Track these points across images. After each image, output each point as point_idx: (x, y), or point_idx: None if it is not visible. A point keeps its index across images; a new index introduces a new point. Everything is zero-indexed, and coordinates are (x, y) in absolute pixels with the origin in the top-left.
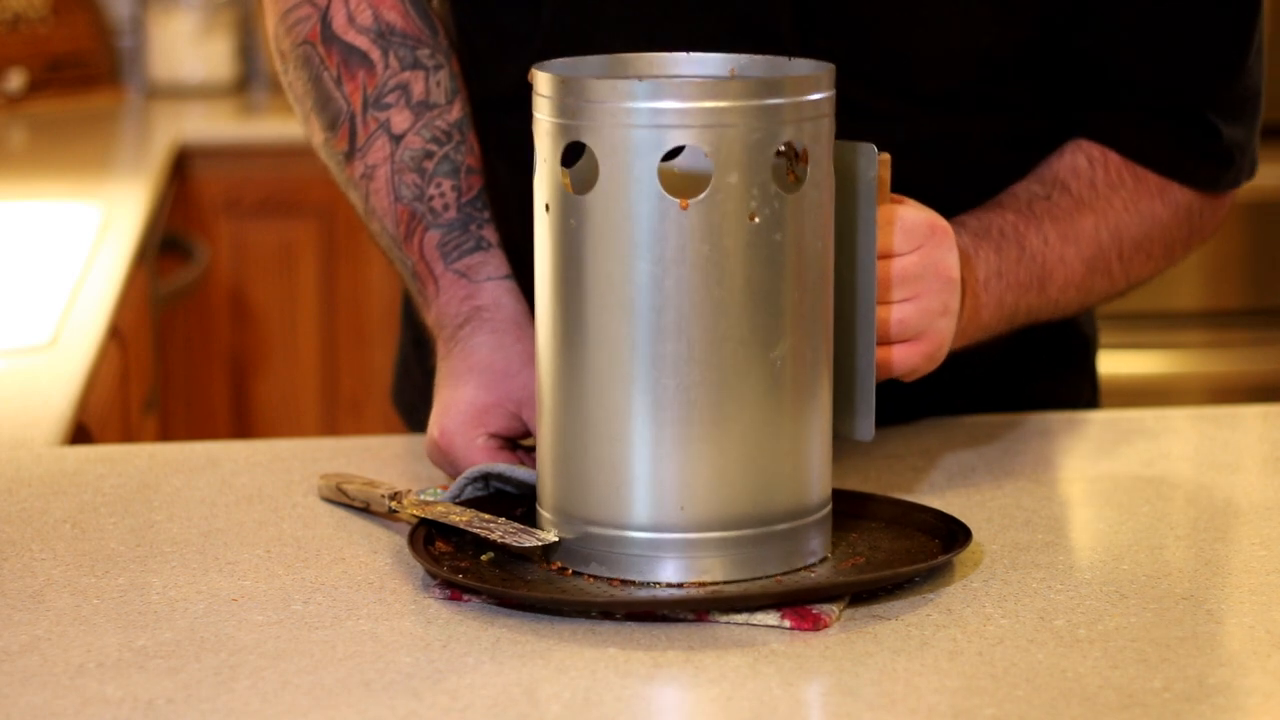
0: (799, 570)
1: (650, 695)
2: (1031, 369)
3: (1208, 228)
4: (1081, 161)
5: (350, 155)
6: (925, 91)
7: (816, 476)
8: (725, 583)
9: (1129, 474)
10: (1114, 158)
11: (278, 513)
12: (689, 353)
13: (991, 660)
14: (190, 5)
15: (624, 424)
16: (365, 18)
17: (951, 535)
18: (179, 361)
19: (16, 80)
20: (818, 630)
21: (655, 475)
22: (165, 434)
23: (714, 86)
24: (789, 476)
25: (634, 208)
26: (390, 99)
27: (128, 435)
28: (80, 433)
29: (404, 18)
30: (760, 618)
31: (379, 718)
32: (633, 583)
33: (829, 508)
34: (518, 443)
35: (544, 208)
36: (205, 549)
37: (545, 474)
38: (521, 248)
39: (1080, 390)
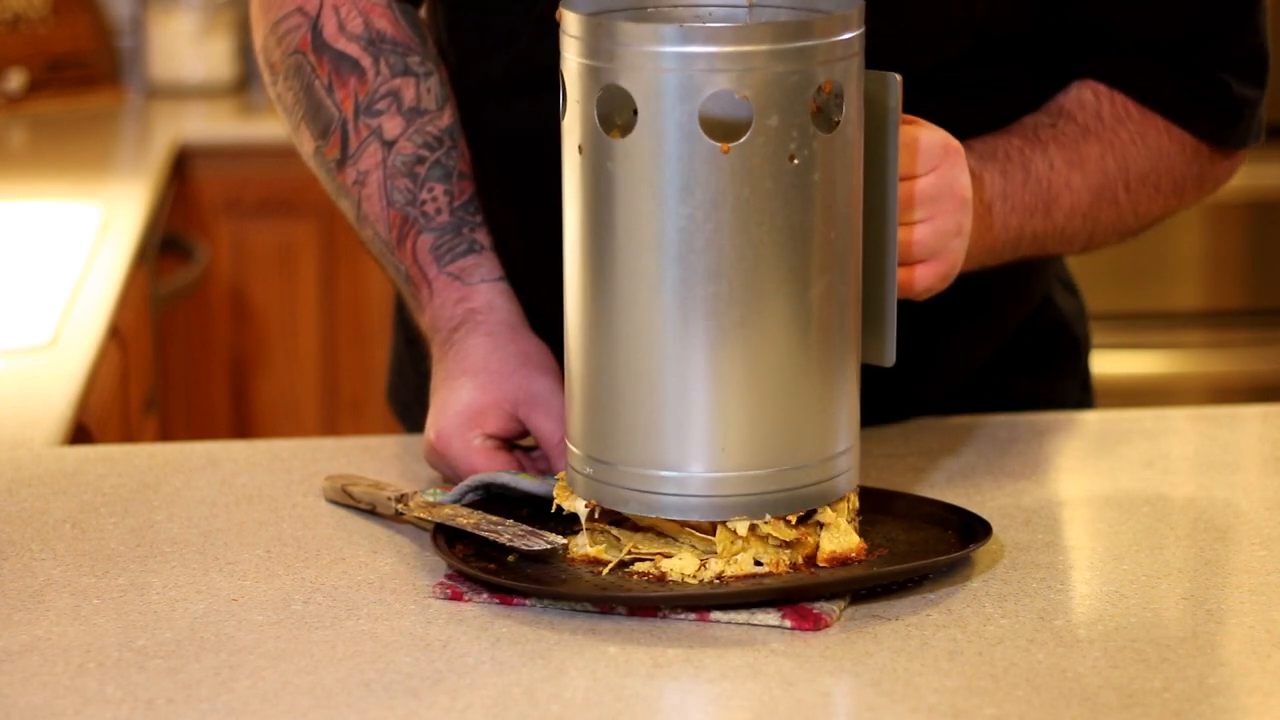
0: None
1: (650, 695)
2: (1022, 369)
3: (1220, 175)
4: (1088, 95)
5: (342, 162)
6: (917, 66)
7: (848, 413)
8: (765, 573)
9: (1129, 474)
10: (1120, 96)
11: (278, 513)
12: (728, 294)
13: (991, 660)
14: (190, 5)
15: (661, 366)
16: (356, 25)
17: (966, 527)
18: (179, 361)
19: (16, 80)
20: (818, 630)
21: (692, 416)
22: (165, 434)
23: (752, 30)
24: (822, 414)
25: (674, 152)
26: (382, 105)
27: (128, 435)
28: (80, 433)
29: (394, 25)
30: (761, 617)
31: (379, 718)
32: (660, 575)
33: (857, 443)
34: (515, 443)
35: (576, 150)
36: (205, 549)
37: (576, 416)
38: (508, 237)
39: (1072, 392)
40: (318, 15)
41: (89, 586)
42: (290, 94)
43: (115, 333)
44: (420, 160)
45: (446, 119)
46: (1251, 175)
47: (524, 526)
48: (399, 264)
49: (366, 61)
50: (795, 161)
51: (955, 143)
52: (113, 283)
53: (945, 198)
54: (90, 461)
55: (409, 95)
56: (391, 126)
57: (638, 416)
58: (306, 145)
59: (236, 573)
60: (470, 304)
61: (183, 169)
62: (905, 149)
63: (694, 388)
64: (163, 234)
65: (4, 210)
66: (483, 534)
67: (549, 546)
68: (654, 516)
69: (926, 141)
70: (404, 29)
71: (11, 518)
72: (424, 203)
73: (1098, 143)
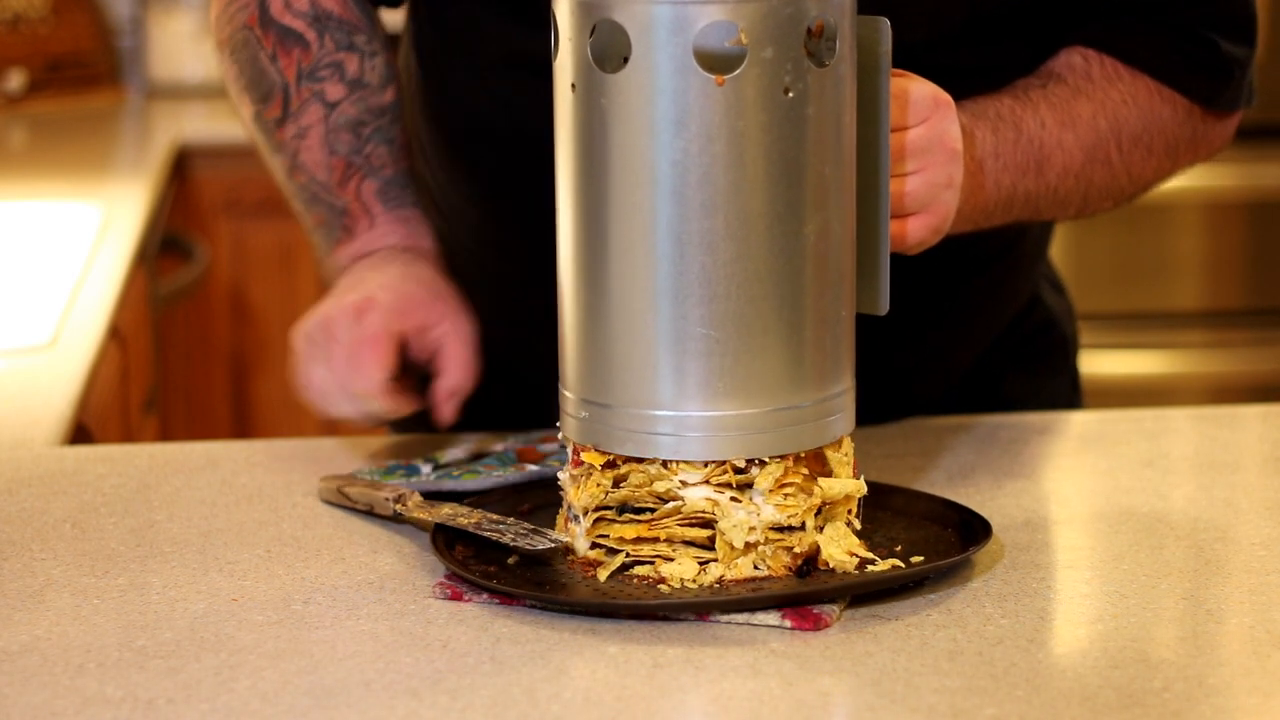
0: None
1: (650, 695)
2: (1013, 367)
3: (1214, 140)
4: (1077, 59)
5: (282, 120)
6: (911, 40)
7: (844, 354)
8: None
9: (1129, 474)
10: (1109, 59)
11: (278, 513)
12: (724, 230)
13: (991, 660)
14: (190, 5)
15: (655, 304)
16: (302, 3)
17: (966, 526)
18: (179, 361)
19: (16, 80)
20: (818, 630)
21: (687, 355)
22: (165, 434)
23: None
24: (818, 353)
25: (668, 85)
26: (324, 74)
27: (128, 435)
28: (80, 433)
29: (341, 5)
30: (761, 617)
31: (379, 718)
32: (660, 579)
33: (853, 384)
34: (406, 369)
35: (569, 88)
36: (205, 549)
37: (570, 359)
38: (522, 200)
39: (1062, 390)
40: None
41: (89, 586)
42: (235, 67)
43: (115, 333)
44: (362, 123)
45: (388, 97)
46: (1251, 175)
47: (526, 525)
48: (335, 201)
49: (311, 35)
50: (789, 95)
51: (945, 95)
52: (113, 283)
53: (936, 149)
54: (90, 461)
55: (352, 68)
56: (334, 91)
57: (632, 356)
58: (246, 111)
59: (236, 573)
60: (422, 243)
61: (183, 169)
62: (896, 100)
63: (689, 325)
64: (163, 234)
65: (4, 210)
66: (484, 534)
67: (552, 545)
68: (652, 521)
69: (917, 93)
70: (352, 9)
71: (11, 518)
72: (369, 155)
73: (1089, 103)
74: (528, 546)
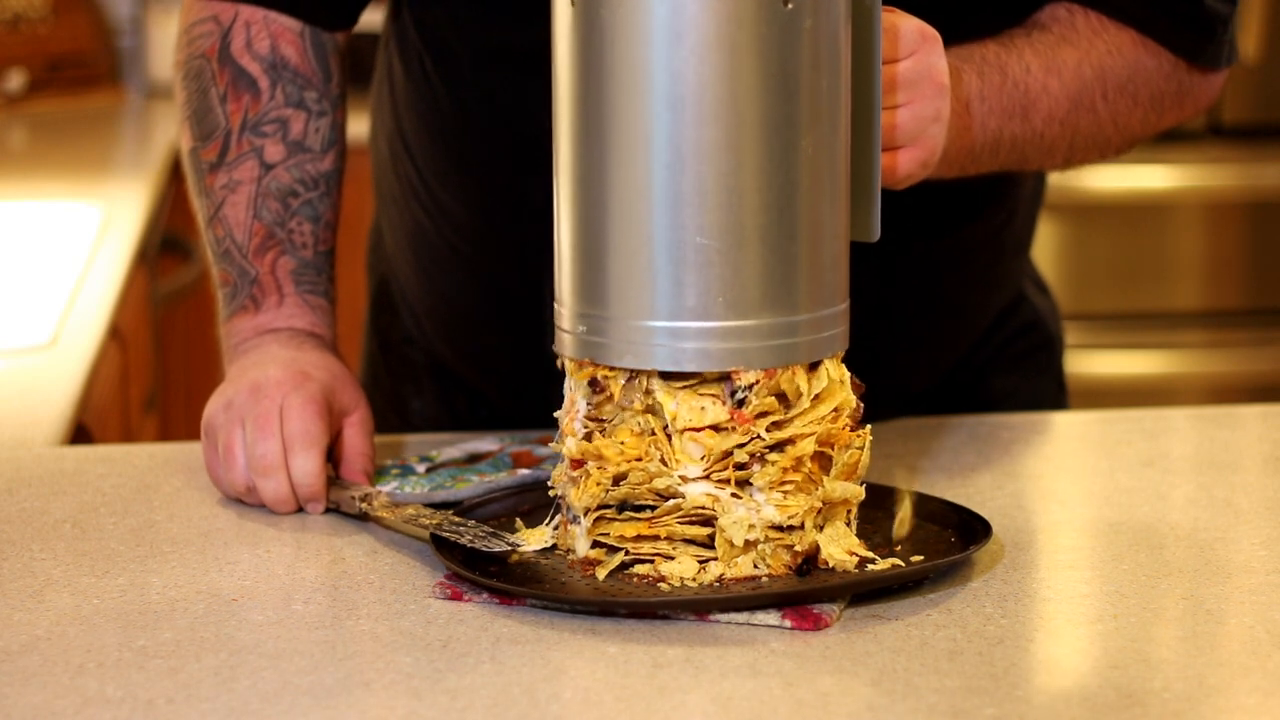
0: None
1: (650, 695)
2: (1000, 366)
3: (1200, 96)
4: (1061, 11)
5: (216, 167)
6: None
7: (839, 270)
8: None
9: (1129, 474)
10: (1093, 12)
11: (278, 513)
12: (722, 140)
13: (991, 660)
14: None
15: (652, 216)
16: (262, 46)
17: (966, 526)
18: (179, 361)
19: (16, 80)
20: (818, 630)
21: (684, 266)
22: (165, 434)
23: None
24: (813, 268)
25: None
26: (268, 129)
27: (128, 435)
28: (80, 433)
29: (300, 55)
30: (761, 617)
31: (379, 718)
32: (660, 578)
33: (848, 305)
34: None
35: (569, 2)
36: (205, 549)
37: (567, 273)
38: (513, 197)
39: (1048, 389)
40: (229, 27)
41: (89, 586)
42: (185, 94)
43: (115, 333)
44: (294, 193)
45: (327, 164)
46: (1251, 175)
47: (485, 527)
48: (248, 267)
49: (264, 83)
50: (789, 6)
51: (932, 30)
52: (113, 283)
53: (924, 82)
54: (90, 461)
55: (296, 128)
56: (273, 151)
57: (630, 267)
58: (186, 142)
59: (236, 573)
60: (323, 333)
61: (182, 169)
62: (885, 34)
63: (687, 235)
64: (163, 234)
65: (4, 210)
66: (444, 534)
67: (509, 548)
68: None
69: (905, 27)
70: (309, 62)
71: (11, 518)
72: (291, 231)
73: (1074, 50)
74: (484, 548)
